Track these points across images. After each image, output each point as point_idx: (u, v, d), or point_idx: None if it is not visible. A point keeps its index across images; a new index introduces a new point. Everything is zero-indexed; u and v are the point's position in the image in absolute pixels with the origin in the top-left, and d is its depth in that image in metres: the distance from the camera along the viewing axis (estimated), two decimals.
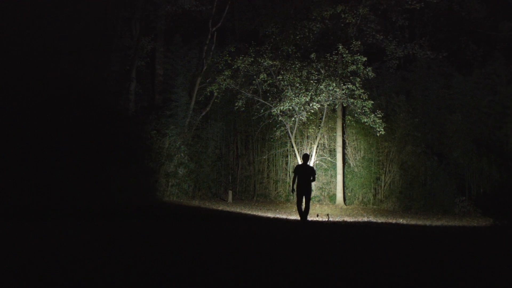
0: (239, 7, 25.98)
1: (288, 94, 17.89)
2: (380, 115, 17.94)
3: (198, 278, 5.14)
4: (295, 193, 12.31)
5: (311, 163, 17.83)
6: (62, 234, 8.57)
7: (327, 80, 17.28)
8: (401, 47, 20.92)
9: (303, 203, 12.37)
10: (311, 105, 18.03)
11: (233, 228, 10.47)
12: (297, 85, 17.82)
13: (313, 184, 14.23)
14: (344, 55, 17.95)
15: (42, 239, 7.95)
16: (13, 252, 6.69)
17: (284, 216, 15.23)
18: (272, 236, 9.33)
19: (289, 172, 20.81)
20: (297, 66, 17.87)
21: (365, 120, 17.66)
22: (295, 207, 16.26)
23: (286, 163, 21.01)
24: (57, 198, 13.91)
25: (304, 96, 17.68)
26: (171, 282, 4.97)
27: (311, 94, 17.66)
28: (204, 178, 20.38)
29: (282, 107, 17.98)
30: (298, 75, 17.69)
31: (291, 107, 18.17)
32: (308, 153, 18.21)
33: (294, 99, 17.65)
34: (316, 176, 12.86)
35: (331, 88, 17.33)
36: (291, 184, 15.26)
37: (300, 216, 12.33)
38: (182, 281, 5.00)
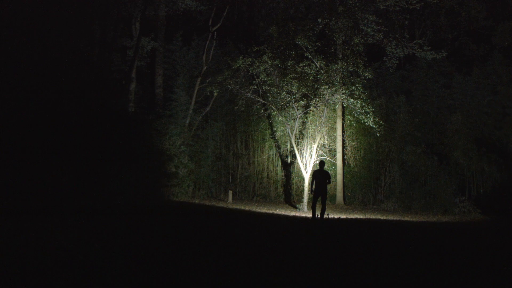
0: (240, 7, 26.01)
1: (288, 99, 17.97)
2: (380, 115, 17.94)
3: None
4: (312, 194, 13.60)
5: (311, 163, 17.86)
6: (66, 232, 8.57)
7: (328, 77, 17.26)
8: (401, 47, 20.91)
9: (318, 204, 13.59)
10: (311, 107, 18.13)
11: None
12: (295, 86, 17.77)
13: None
14: (345, 56, 17.95)
15: (44, 237, 7.95)
16: (15, 250, 6.69)
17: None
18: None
19: (291, 172, 20.82)
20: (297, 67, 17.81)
21: (365, 120, 17.65)
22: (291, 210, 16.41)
23: (287, 163, 21.00)
24: (58, 197, 13.91)
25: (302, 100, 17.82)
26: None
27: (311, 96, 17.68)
28: (204, 178, 20.39)
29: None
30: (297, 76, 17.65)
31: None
32: (309, 153, 18.24)
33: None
34: (331, 179, 14.44)
35: (332, 90, 17.31)
36: (309, 186, 16.68)
37: (312, 213, 13.53)
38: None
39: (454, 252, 8.29)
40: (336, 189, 19.99)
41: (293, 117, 18.93)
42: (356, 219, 14.68)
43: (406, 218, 15.96)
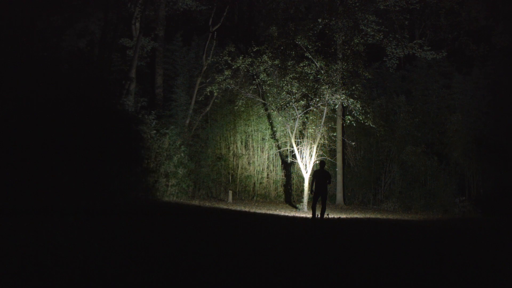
0: (240, 7, 26.00)
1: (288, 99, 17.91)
2: (380, 115, 17.93)
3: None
4: (312, 194, 13.65)
5: (311, 163, 17.87)
6: (66, 232, 8.57)
7: (328, 77, 17.24)
8: (401, 47, 20.91)
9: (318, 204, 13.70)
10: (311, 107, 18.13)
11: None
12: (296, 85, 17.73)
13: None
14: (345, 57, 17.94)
15: (44, 237, 7.95)
16: (15, 250, 6.69)
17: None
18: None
19: (291, 172, 20.84)
20: (297, 67, 17.78)
21: (365, 120, 17.65)
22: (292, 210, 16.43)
23: (287, 163, 21.00)
24: (58, 197, 13.90)
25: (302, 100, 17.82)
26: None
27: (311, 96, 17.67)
28: (203, 178, 20.38)
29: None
30: (297, 76, 17.63)
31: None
32: (309, 153, 18.24)
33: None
34: (331, 179, 14.42)
35: (332, 90, 17.30)
36: (309, 186, 16.69)
37: (312, 213, 13.60)
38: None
39: (454, 252, 8.29)
40: (336, 189, 19.99)
41: (293, 117, 18.92)
42: (356, 219, 14.68)
43: (406, 218, 15.96)
